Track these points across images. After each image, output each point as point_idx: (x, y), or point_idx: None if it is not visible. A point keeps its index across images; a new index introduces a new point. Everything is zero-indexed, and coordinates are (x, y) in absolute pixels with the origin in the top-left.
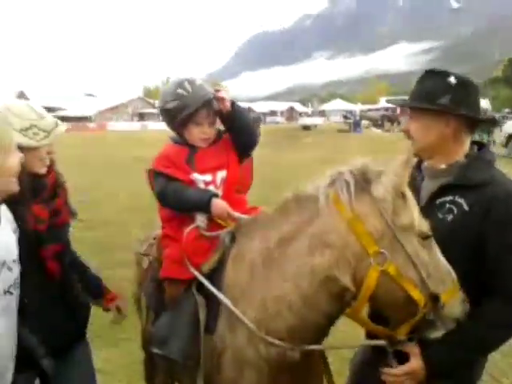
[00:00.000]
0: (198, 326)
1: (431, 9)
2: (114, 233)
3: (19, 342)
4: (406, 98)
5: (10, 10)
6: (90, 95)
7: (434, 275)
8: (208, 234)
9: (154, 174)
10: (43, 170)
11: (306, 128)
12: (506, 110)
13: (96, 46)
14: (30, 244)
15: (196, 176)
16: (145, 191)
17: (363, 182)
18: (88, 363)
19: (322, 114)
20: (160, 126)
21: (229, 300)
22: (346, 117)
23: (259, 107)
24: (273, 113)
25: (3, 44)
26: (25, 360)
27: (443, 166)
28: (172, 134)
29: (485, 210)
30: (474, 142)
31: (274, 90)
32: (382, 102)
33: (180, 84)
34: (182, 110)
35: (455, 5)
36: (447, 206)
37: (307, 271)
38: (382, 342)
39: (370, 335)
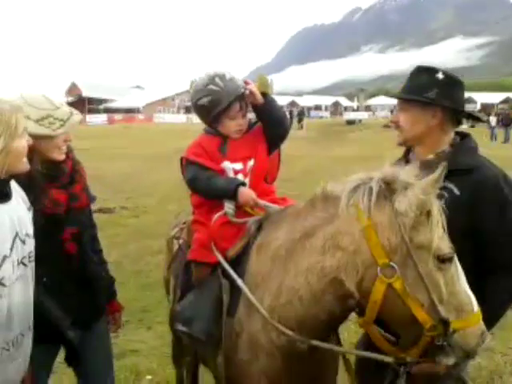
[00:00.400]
0: (220, 308)
1: (487, 3)
2: (155, 221)
3: (45, 315)
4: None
5: (63, 2)
6: (139, 87)
7: (448, 300)
8: (235, 220)
9: (186, 162)
10: (61, 157)
11: (351, 123)
12: None
13: (146, 39)
14: (49, 226)
15: (226, 164)
16: (183, 182)
17: (388, 191)
18: (108, 337)
19: (368, 108)
20: None
21: (250, 285)
22: (393, 112)
23: (304, 101)
24: (318, 107)
25: (56, 36)
26: (49, 332)
27: (431, 156)
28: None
29: (477, 192)
30: (456, 133)
31: (321, 84)
32: None
33: (211, 79)
34: (215, 106)
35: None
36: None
37: (318, 269)
38: (389, 359)
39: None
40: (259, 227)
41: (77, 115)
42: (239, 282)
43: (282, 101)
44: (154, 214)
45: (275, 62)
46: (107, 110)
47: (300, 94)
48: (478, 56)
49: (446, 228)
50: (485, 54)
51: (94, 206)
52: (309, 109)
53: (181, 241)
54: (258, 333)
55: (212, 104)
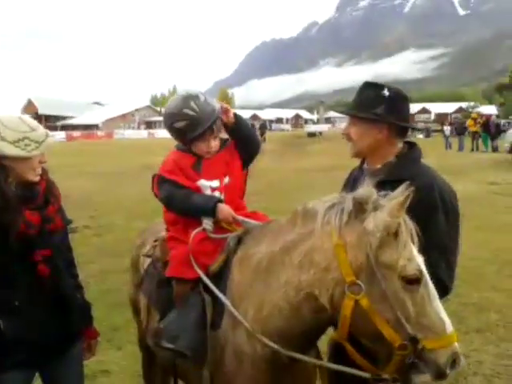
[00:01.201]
0: (205, 323)
1: (438, 16)
2: (121, 239)
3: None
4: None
5: (20, 16)
6: (98, 104)
7: (418, 320)
8: (215, 236)
9: (160, 180)
10: (36, 178)
11: (311, 135)
12: None
13: (103, 54)
14: (20, 247)
15: (203, 182)
16: (152, 198)
17: (359, 211)
18: (81, 363)
19: (328, 121)
20: (167, 134)
21: (234, 298)
22: None
23: (266, 114)
24: (279, 120)
25: (10, 52)
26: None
27: (379, 166)
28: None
29: (412, 199)
30: (405, 142)
31: (282, 97)
32: None
33: (186, 103)
34: (192, 131)
35: (462, 12)
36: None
37: (295, 283)
38: (366, 375)
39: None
40: (238, 242)
41: (51, 137)
42: (222, 297)
43: (243, 114)
44: (117, 232)
45: (235, 76)
46: (65, 127)
47: (261, 107)
48: (431, 67)
49: (417, 249)
50: (437, 65)
51: None
52: (270, 122)
53: (149, 259)
54: (243, 345)
55: (188, 128)
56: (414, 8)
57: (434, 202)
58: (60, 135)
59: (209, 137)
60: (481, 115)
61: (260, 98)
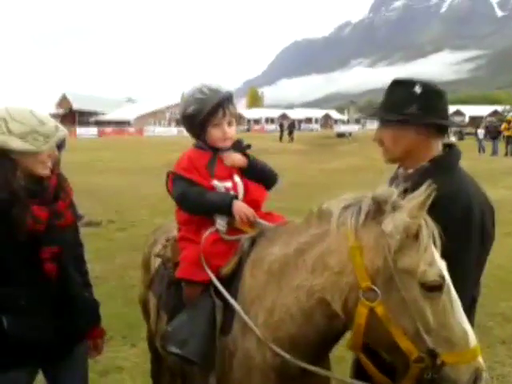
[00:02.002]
0: (215, 328)
1: (475, 17)
2: (143, 234)
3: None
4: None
5: (56, 13)
6: (130, 100)
7: (438, 332)
8: (228, 237)
9: (175, 177)
10: (46, 172)
11: (341, 135)
12: None
13: (137, 51)
14: (28, 244)
15: (216, 183)
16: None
17: (377, 212)
18: (87, 363)
19: (358, 121)
20: None
21: (244, 303)
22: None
23: (295, 114)
24: (308, 120)
25: (46, 49)
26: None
27: (411, 171)
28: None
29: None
30: (445, 145)
31: (312, 97)
32: None
33: (198, 89)
34: (199, 113)
35: (500, 13)
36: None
37: (307, 287)
38: None
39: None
40: (252, 243)
41: (62, 131)
42: (233, 302)
43: (273, 113)
44: (141, 228)
45: (266, 75)
46: (98, 123)
47: (291, 106)
48: (466, 69)
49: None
50: (473, 67)
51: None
52: (299, 121)
53: (160, 259)
54: (253, 352)
55: (197, 112)
56: (450, 9)
57: (454, 213)
58: (92, 131)
59: (220, 120)
60: None
61: (290, 97)
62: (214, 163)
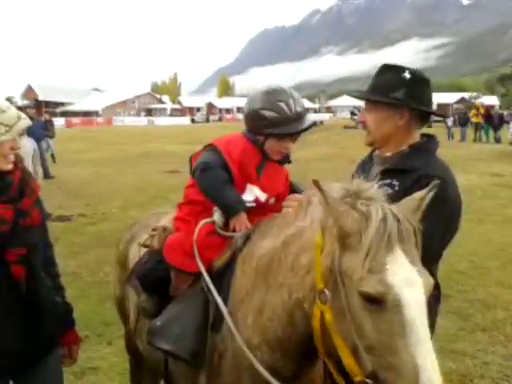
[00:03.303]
0: (207, 324)
1: (442, 5)
2: (115, 228)
3: None
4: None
5: (19, 4)
6: (98, 90)
7: (381, 354)
8: (223, 232)
9: (213, 149)
10: (8, 167)
11: (312, 124)
12: None
13: (104, 41)
14: None
15: (254, 189)
16: (149, 187)
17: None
18: (61, 371)
19: (329, 110)
20: (167, 122)
21: (235, 301)
22: (353, 113)
23: None
24: None
25: (12, 38)
26: None
27: (388, 154)
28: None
29: (406, 188)
30: (422, 135)
31: (283, 85)
32: None
33: (284, 96)
34: (276, 126)
35: (466, 1)
36: (385, 187)
37: (288, 286)
38: None
39: None
40: (246, 241)
41: (24, 120)
42: (219, 301)
43: (244, 102)
44: (113, 221)
45: (236, 64)
46: (65, 114)
47: None
48: (433, 57)
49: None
50: (441, 55)
51: (50, 215)
52: None
53: (145, 250)
54: (242, 353)
55: (275, 122)
56: None
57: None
58: (59, 121)
59: (288, 139)
60: (482, 106)
61: (261, 86)
62: (263, 168)
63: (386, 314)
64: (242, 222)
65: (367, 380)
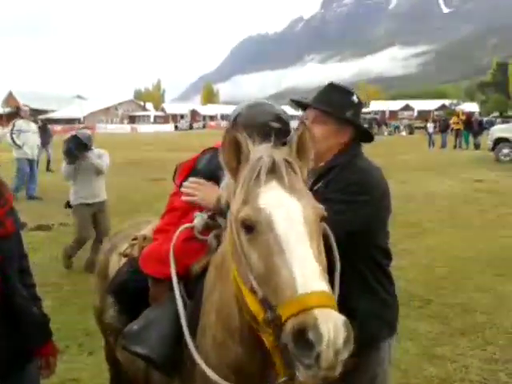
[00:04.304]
0: (181, 329)
1: (422, 13)
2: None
3: None
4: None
5: (3, 10)
6: (81, 97)
7: (267, 279)
8: (201, 237)
9: (214, 152)
10: None
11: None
12: (495, 114)
13: (86, 48)
14: None
15: None
16: (133, 195)
17: None
18: (38, 382)
19: None
20: (150, 129)
21: (208, 305)
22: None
23: None
24: None
25: None
26: None
27: (321, 164)
28: None
29: (327, 179)
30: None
31: (266, 93)
32: (373, 106)
33: (277, 116)
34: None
35: (446, 10)
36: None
37: (232, 274)
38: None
39: None
40: (219, 242)
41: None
42: (181, 311)
43: (228, 110)
44: None
45: (220, 71)
46: (47, 121)
47: None
48: (415, 64)
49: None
50: (422, 62)
51: (32, 224)
52: None
53: (125, 259)
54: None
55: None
56: (398, 5)
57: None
58: None
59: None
60: (463, 112)
61: (245, 93)
62: None
63: (261, 236)
64: None
65: (267, 315)
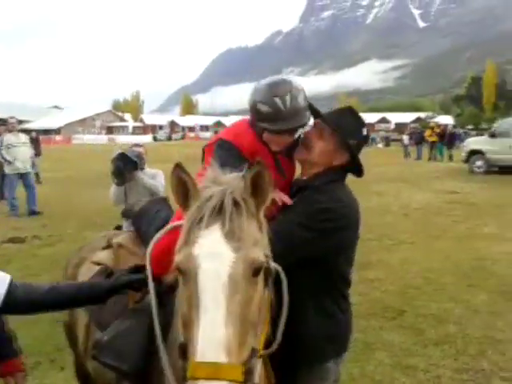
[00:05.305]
0: (152, 340)
1: (399, 28)
2: (72, 249)
3: None
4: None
5: None
6: (57, 107)
7: (187, 327)
8: None
9: (224, 144)
10: None
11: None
12: (469, 127)
13: (64, 57)
14: None
15: None
16: (109, 207)
17: None
18: None
19: None
20: (129, 140)
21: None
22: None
23: (231, 121)
24: None
25: None
26: None
27: (304, 178)
28: None
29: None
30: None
31: (246, 105)
32: None
33: (280, 93)
34: (269, 121)
35: (422, 24)
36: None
37: None
38: None
39: None
40: None
41: None
42: (156, 320)
43: (207, 121)
44: (69, 243)
45: (200, 82)
46: (23, 132)
47: (226, 114)
48: (392, 78)
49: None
50: (399, 76)
51: (3, 237)
52: None
53: (97, 267)
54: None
55: (267, 117)
56: (376, 19)
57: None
58: None
59: (285, 133)
60: (438, 125)
61: (225, 105)
62: (280, 165)
63: (188, 285)
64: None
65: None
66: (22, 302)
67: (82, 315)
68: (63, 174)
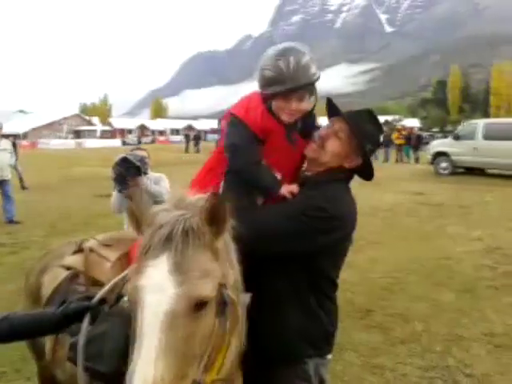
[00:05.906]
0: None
1: (367, 32)
2: (39, 256)
3: None
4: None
5: None
6: (23, 112)
7: (129, 358)
8: None
9: (235, 122)
10: None
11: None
12: (435, 130)
13: (29, 60)
14: None
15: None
16: (76, 213)
17: None
18: None
19: None
20: (96, 144)
21: None
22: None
23: (201, 125)
24: (214, 131)
25: None
26: None
27: (308, 174)
28: None
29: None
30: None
31: (217, 108)
32: (321, 122)
33: (284, 55)
34: (271, 85)
35: (389, 29)
36: None
37: None
38: None
39: None
40: None
41: None
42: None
43: (178, 124)
44: (35, 250)
45: (170, 86)
46: (4, 137)
47: (196, 118)
48: (362, 81)
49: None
50: (367, 79)
51: None
52: (206, 132)
53: (66, 272)
54: None
55: (273, 81)
56: (344, 24)
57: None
58: None
59: (292, 97)
60: (404, 128)
61: (195, 108)
62: (291, 138)
63: (135, 315)
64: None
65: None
66: None
67: None
68: (28, 180)
